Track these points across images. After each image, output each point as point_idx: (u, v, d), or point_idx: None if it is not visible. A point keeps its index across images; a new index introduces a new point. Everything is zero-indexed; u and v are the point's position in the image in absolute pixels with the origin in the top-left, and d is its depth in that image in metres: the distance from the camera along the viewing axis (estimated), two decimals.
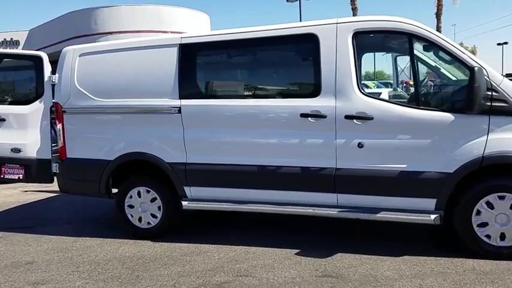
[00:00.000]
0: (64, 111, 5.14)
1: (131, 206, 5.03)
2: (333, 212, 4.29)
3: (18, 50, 6.28)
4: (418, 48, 4.20)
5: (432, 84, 4.89)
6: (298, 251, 4.40)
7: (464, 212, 3.99)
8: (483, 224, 3.98)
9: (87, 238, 5.16)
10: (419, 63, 4.17)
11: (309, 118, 4.25)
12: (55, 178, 5.45)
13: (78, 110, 5.10)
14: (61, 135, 5.17)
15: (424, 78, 4.43)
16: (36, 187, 8.10)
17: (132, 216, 5.03)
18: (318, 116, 4.23)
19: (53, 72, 5.26)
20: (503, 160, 3.85)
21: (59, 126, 5.17)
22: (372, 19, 4.18)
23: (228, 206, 4.64)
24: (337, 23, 4.24)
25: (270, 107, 4.43)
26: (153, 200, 4.95)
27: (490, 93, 3.82)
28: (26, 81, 5.89)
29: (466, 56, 3.94)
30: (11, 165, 5.44)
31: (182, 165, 4.75)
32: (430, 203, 4.05)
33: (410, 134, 4.05)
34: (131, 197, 5.02)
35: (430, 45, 4.09)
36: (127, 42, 5.05)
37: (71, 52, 5.18)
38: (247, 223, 5.55)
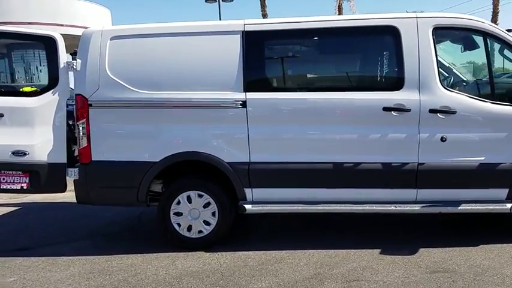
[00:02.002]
0: (90, 105, 4.26)
1: (178, 214, 4.37)
2: (416, 208, 4.23)
3: (25, 29, 4.84)
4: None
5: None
6: (378, 250, 4.24)
7: None
8: None
9: (122, 255, 4.33)
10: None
11: (392, 112, 4.15)
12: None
13: (111, 104, 4.27)
14: (85, 133, 4.28)
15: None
16: None
17: (179, 225, 4.37)
18: (401, 109, 4.14)
19: None
20: None
21: (80, 122, 4.27)
22: (451, 16, 4.27)
23: (300, 207, 4.29)
24: (416, 17, 4.21)
25: (349, 100, 4.21)
26: (206, 205, 4.35)
27: None
28: (32, 68, 4.75)
29: None
30: (11, 172, 4.33)
31: (245, 165, 4.27)
32: (503, 192, 4.23)
33: (489, 127, 4.20)
34: (179, 203, 4.35)
35: (502, 44, 4.30)
36: (177, 26, 4.36)
37: (98, 34, 4.31)
38: (273, 226, 5.22)
